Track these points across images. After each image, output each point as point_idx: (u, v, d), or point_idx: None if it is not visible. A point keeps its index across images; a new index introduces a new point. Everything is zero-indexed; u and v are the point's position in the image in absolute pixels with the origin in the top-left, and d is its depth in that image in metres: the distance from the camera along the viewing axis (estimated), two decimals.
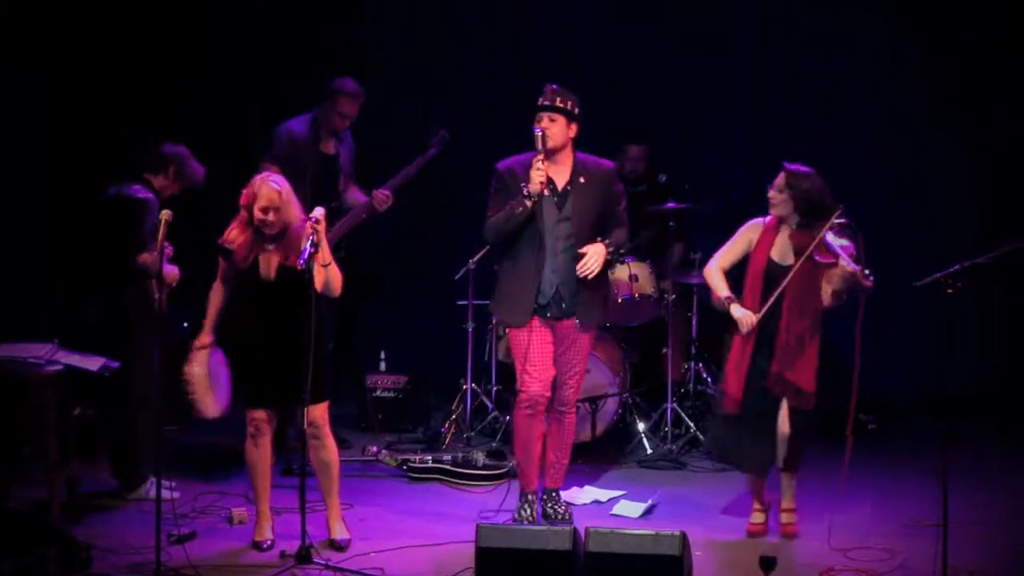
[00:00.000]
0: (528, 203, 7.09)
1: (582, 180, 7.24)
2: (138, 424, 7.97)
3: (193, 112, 10.36)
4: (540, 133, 7.13)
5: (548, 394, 7.33)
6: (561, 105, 7.19)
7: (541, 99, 7.24)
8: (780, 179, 7.33)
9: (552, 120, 7.17)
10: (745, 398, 7.33)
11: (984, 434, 9.39)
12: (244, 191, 7.14)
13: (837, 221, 7.17)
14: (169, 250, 7.91)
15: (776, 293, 7.23)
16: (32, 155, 9.82)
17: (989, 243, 6.87)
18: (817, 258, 7.17)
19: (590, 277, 7.16)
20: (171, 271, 7.84)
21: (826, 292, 7.25)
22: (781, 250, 7.31)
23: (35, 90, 9.77)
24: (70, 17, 9.89)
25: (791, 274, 7.20)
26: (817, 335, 7.30)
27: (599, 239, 7.21)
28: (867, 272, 7.09)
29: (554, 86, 7.30)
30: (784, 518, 7.52)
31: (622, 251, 7.46)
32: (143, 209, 7.93)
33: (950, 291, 6.42)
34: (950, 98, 10.41)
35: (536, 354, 7.25)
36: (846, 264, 7.10)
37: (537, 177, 7.05)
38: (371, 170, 9.37)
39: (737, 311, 7.28)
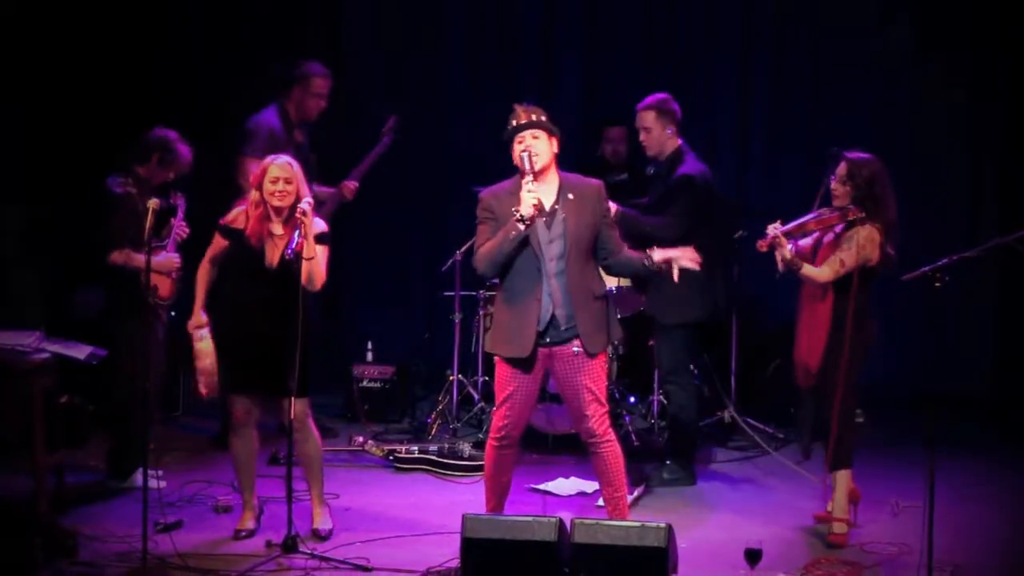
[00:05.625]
0: (521, 227, 6.62)
1: (571, 196, 6.80)
2: (131, 413, 7.97)
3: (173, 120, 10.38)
4: (526, 153, 6.69)
5: (517, 431, 6.96)
6: (539, 119, 6.78)
7: (516, 120, 6.79)
8: (842, 169, 7.24)
9: (536, 137, 6.74)
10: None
11: (972, 429, 9.42)
12: (253, 173, 7.18)
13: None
14: (183, 231, 7.94)
15: (791, 259, 7.15)
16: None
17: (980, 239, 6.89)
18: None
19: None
20: (167, 261, 7.87)
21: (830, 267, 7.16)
22: None
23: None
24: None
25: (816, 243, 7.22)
26: (828, 314, 7.18)
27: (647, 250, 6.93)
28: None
29: (522, 104, 6.88)
30: (835, 527, 7.36)
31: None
32: (115, 205, 7.91)
33: (938, 284, 6.43)
34: (948, 96, 10.46)
35: (514, 390, 6.86)
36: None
37: (529, 199, 6.59)
38: (343, 160, 9.38)
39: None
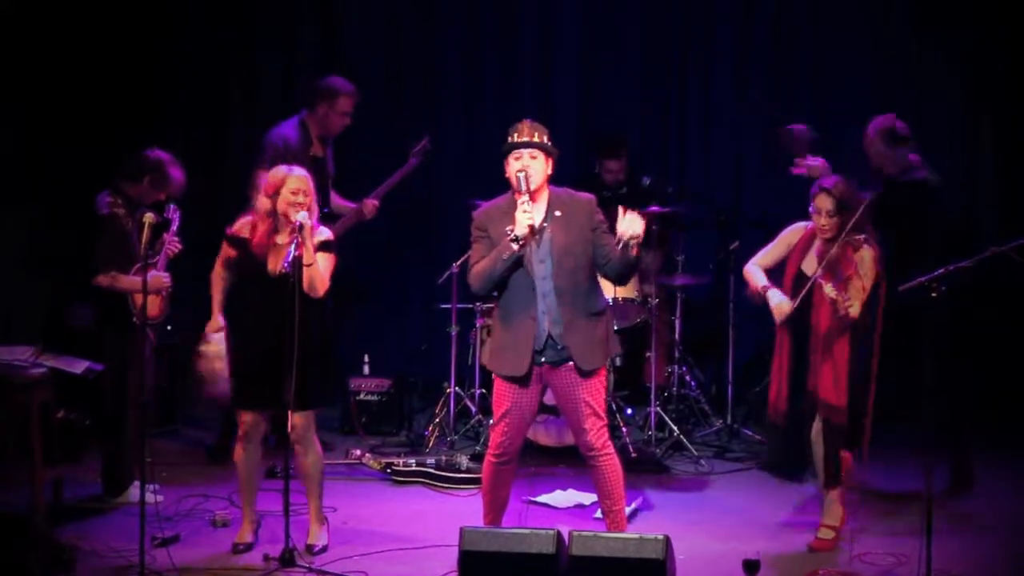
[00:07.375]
0: (515, 247, 6.59)
1: (558, 214, 6.75)
2: (126, 429, 7.96)
3: (171, 126, 10.37)
4: (522, 174, 6.66)
5: (515, 446, 6.94)
6: (539, 140, 6.74)
7: (517, 135, 6.75)
8: (826, 203, 7.13)
9: (533, 157, 6.69)
10: (788, 408, 7.29)
11: (970, 432, 9.41)
12: (266, 183, 7.14)
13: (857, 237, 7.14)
14: (175, 246, 7.89)
15: (801, 294, 7.11)
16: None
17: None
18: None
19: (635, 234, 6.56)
20: (155, 280, 7.71)
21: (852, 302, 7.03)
22: (809, 260, 7.23)
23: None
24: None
25: (813, 279, 7.08)
26: (847, 346, 7.15)
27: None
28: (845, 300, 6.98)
29: (528, 120, 6.86)
30: (820, 532, 7.39)
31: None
32: (100, 226, 7.89)
33: (934, 295, 6.42)
34: (947, 96, 10.48)
35: (512, 406, 6.85)
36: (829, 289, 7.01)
37: (524, 220, 6.57)
38: (351, 176, 9.37)
39: (775, 298, 7.18)
